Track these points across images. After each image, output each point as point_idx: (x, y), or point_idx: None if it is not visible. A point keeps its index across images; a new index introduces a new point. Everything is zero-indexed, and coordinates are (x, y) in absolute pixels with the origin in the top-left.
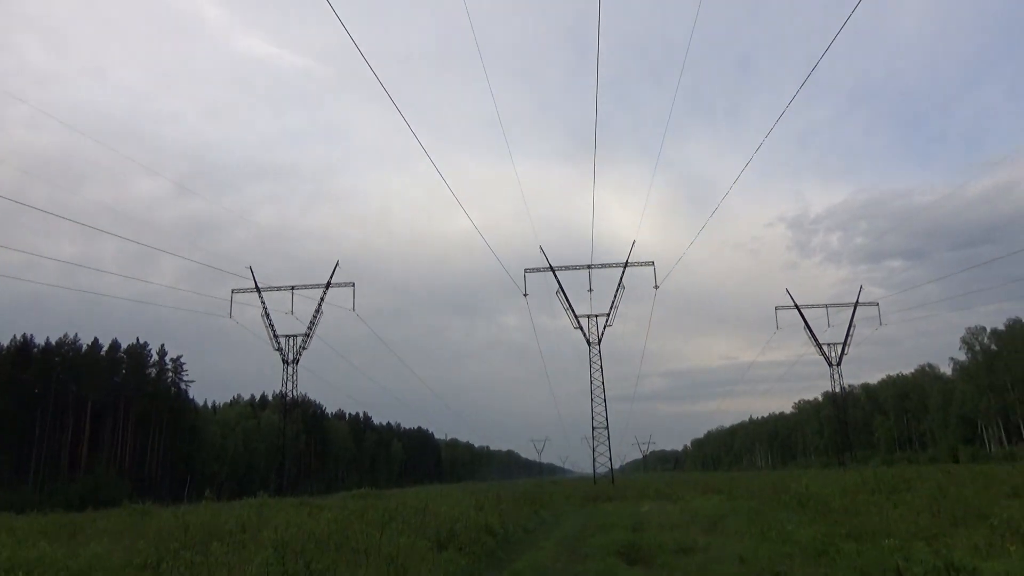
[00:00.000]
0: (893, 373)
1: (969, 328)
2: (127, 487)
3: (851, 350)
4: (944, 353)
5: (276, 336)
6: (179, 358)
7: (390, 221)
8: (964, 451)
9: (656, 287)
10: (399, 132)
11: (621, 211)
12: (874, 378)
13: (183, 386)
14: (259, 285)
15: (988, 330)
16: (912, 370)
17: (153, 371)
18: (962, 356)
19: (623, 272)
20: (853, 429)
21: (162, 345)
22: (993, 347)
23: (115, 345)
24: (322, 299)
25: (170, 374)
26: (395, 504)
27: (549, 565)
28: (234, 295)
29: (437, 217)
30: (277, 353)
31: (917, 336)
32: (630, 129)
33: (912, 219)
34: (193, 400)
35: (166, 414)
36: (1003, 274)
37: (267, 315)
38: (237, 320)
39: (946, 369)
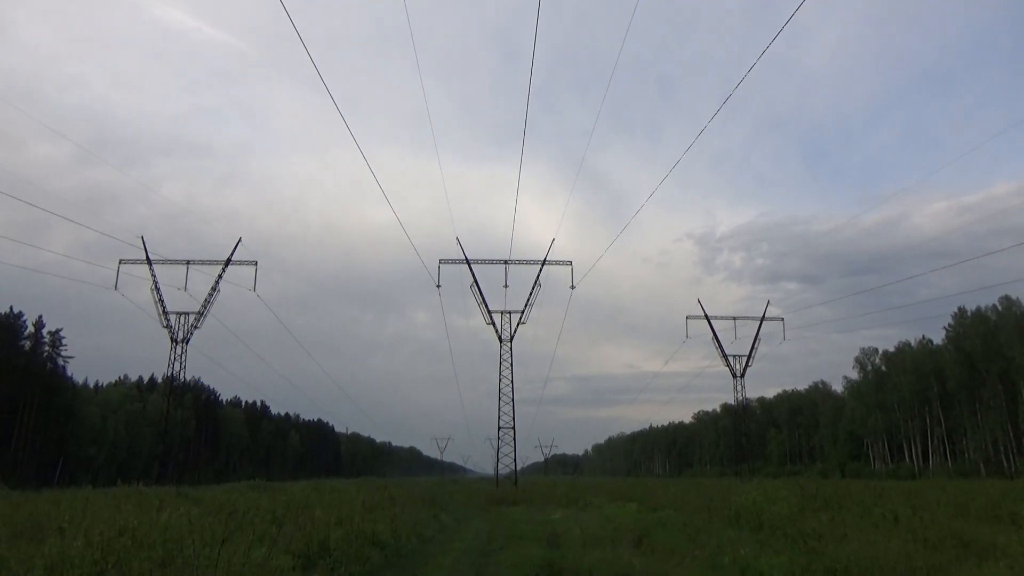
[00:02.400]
0: (783, 389)
1: (862, 348)
2: None
3: (751, 364)
4: (830, 372)
5: (166, 312)
6: (58, 332)
7: (304, 209)
8: (851, 467)
9: (573, 287)
10: (318, 119)
11: (540, 216)
12: (766, 393)
13: (60, 362)
14: (151, 257)
15: (880, 351)
16: (805, 387)
17: (27, 344)
18: (854, 375)
19: (540, 269)
20: (748, 441)
21: (39, 317)
22: (883, 368)
23: None
24: (220, 276)
25: (46, 348)
26: (267, 502)
27: None
28: (122, 266)
29: (353, 208)
30: (167, 332)
31: (807, 355)
32: (553, 136)
33: (810, 244)
34: (71, 378)
35: (38, 391)
36: (885, 302)
37: (157, 289)
38: (123, 293)
39: (837, 387)
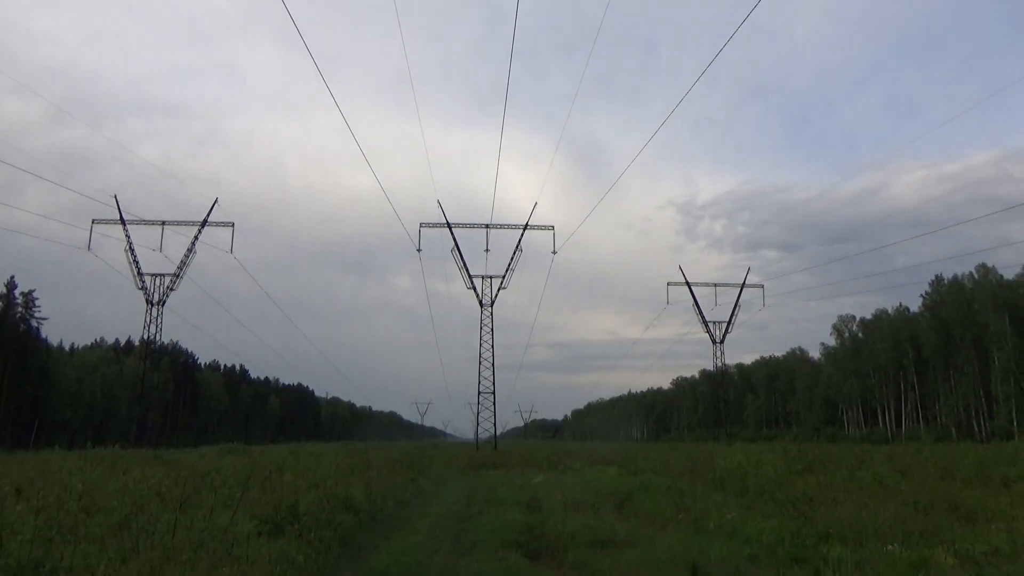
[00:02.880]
0: (761, 356)
1: (840, 316)
2: None
3: (731, 331)
4: (808, 339)
5: (141, 274)
6: (31, 292)
7: (284, 172)
8: (825, 431)
9: (554, 252)
10: (297, 79)
11: (522, 181)
12: (744, 360)
13: (34, 323)
14: (125, 217)
15: (857, 319)
16: (783, 353)
17: None
18: (832, 342)
19: (522, 233)
20: (727, 406)
21: (11, 277)
22: (860, 335)
23: None
24: (196, 237)
25: (20, 309)
26: (240, 465)
27: (423, 560)
28: (95, 226)
29: (333, 171)
30: (142, 294)
31: (785, 322)
32: (536, 100)
33: (790, 212)
34: (46, 340)
35: (12, 353)
36: (863, 270)
37: (131, 250)
38: (97, 254)
39: (815, 354)
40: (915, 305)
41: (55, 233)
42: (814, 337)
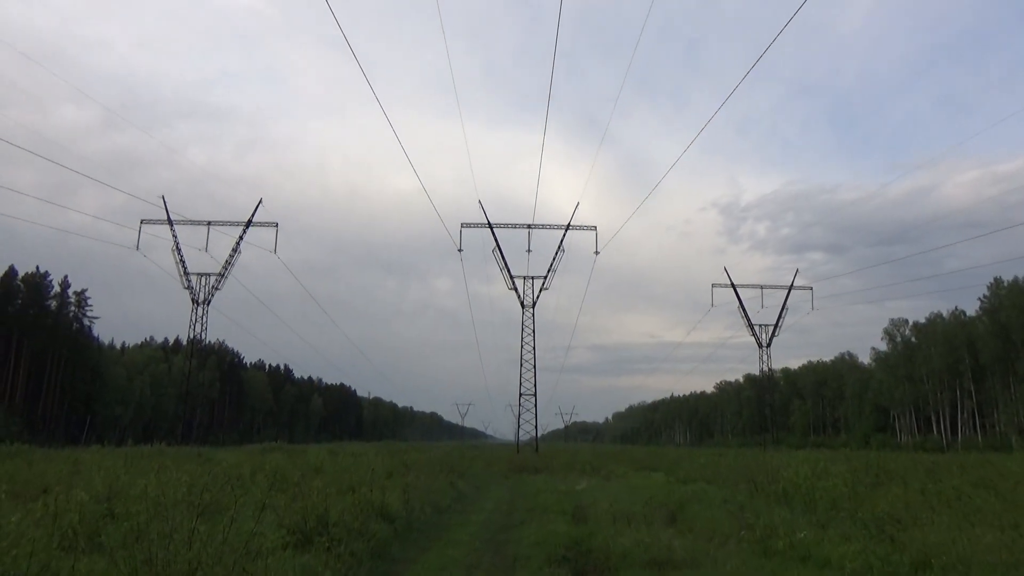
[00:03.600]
0: (806, 361)
1: (892, 319)
2: (17, 426)
3: (777, 334)
4: (855, 343)
5: (187, 273)
6: (83, 292)
7: (327, 174)
8: (876, 438)
9: (597, 252)
10: (341, 83)
11: (563, 183)
12: (788, 364)
13: (86, 322)
14: (172, 218)
15: (910, 323)
16: (831, 358)
17: (53, 303)
18: (883, 346)
19: (564, 234)
20: (772, 411)
21: (65, 276)
22: (913, 339)
23: (11, 272)
24: (241, 237)
25: (72, 308)
26: (280, 464)
27: None
28: (143, 226)
29: (375, 174)
30: (188, 293)
31: (831, 326)
32: (577, 101)
33: (836, 214)
34: (97, 338)
35: (65, 351)
36: (913, 273)
37: (178, 249)
38: (145, 254)
39: (864, 358)
40: (971, 308)
41: (106, 234)
42: (861, 342)
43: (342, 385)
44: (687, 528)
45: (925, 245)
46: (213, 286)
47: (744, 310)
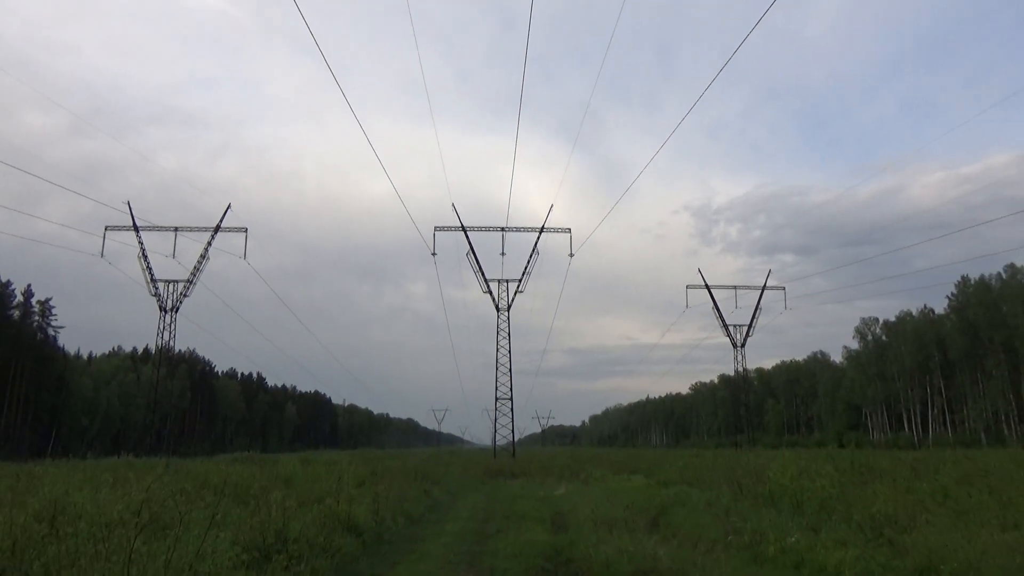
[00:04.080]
0: (781, 360)
1: (863, 318)
2: None
3: (751, 334)
4: (826, 343)
5: (154, 280)
6: (47, 301)
7: (300, 180)
8: (849, 436)
9: (571, 255)
10: (314, 88)
11: (537, 187)
12: (762, 364)
13: (51, 332)
14: (138, 223)
15: (880, 321)
16: (803, 357)
17: (16, 313)
18: (855, 345)
19: (539, 236)
20: (748, 411)
21: (28, 285)
22: (884, 338)
23: None
24: (209, 243)
25: (36, 318)
26: (246, 475)
27: None
28: (108, 232)
29: (350, 179)
30: (155, 300)
31: (803, 326)
32: (550, 106)
33: (806, 216)
34: (63, 348)
35: (29, 361)
36: (881, 273)
37: (144, 256)
38: (110, 261)
39: (836, 357)
40: (939, 307)
41: (74, 242)
42: (832, 341)
43: (316, 392)
44: (671, 534)
45: (892, 245)
46: (181, 293)
47: (719, 311)
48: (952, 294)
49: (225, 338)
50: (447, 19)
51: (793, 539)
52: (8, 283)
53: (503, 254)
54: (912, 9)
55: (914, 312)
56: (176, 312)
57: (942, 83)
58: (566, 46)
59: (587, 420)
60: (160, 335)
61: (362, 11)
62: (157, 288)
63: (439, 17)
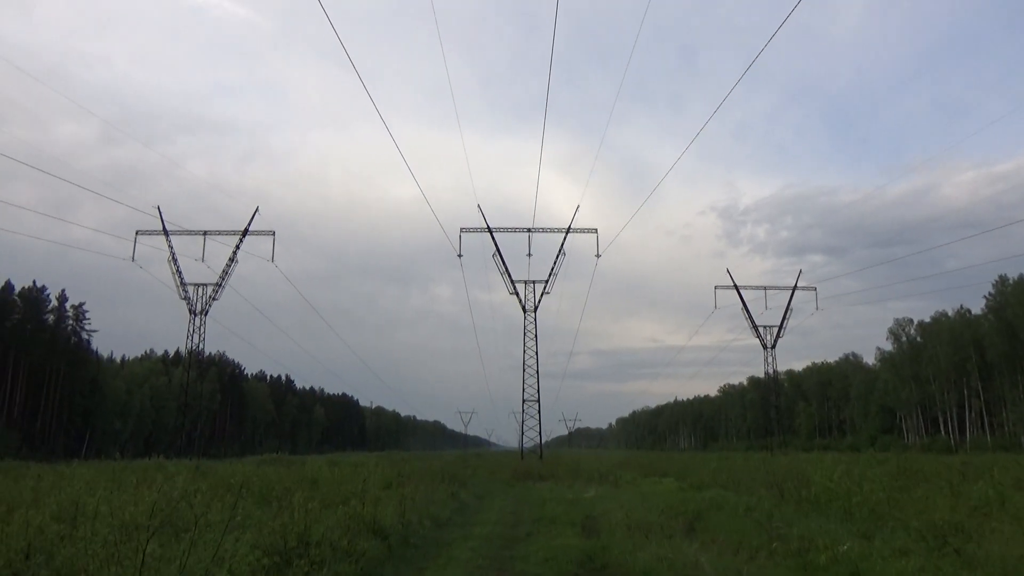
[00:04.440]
0: (809, 363)
1: (897, 319)
2: (15, 440)
3: (782, 335)
4: (856, 344)
5: (183, 283)
6: (81, 305)
7: (326, 184)
8: (882, 440)
9: (598, 255)
10: (339, 94)
11: (562, 189)
12: (790, 366)
13: (84, 336)
14: (168, 228)
15: (915, 322)
16: (835, 359)
17: (51, 317)
18: (888, 346)
19: (565, 237)
20: (778, 413)
21: (62, 290)
22: (918, 339)
23: (8, 287)
24: (238, 246)
25: (70, 322)
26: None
27: None
28: (139, 237)
29: (375, 183)
30: (185, 303)
31: (832, 328)
32: (575, 108)
33: (835, 216)
34: (96, 352)
35: (63, 365)
36: (912, 273)
37: (174, 260)
38: (141, 265)
39: (868, 359)
40: (972, 307)
41: (106, 248)
42: (862, 343)
43: (344, 395)
44: (709, 540)
45: (923, 245)
46: (211, 296)
47: (748, 311)
48: (989, 294)
49: (254, 341)
50: (470, 24)
51: (846, 547)
52: (43, 288)
53: (529, 255)
54: (941, 6)
55: (950, 312)
56: (206, 315)
57: (973, 81)
58: (589, 49)
59: (614, 422)
60: (190, 338)
61: (386, 19)
62: (187, 291)
63: (463, 23)
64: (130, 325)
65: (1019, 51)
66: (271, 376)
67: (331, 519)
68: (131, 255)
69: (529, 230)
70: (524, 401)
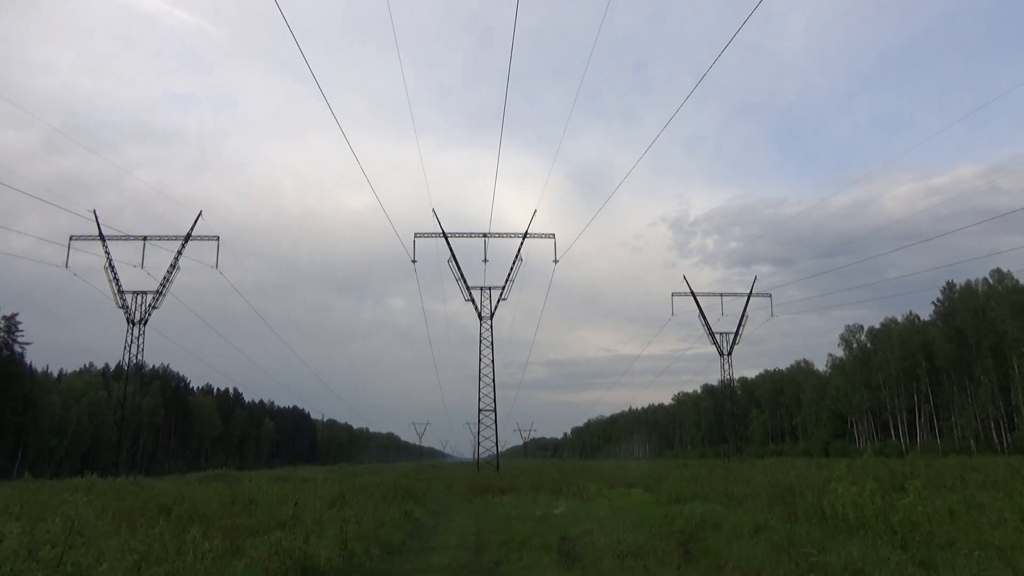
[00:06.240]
0: (760, 370)
1: (848, 325)
2: None
3: (738, 342)
4: (804, 352)
5: (121, 291)
6: (13, 316)
7: (279, 195)
8: (835, 445)
9: (556, 261)
10: (290, 104)
11: (518, 201)
12: (742, 374)
13: (17, 348)
14: (104, 232)
15: (865, 328)
16: (784, 367)
17: None
18: (839, 352)
19: (522, 242)
20: (735, 420)
21: None
22: (869, 345)
23: None
24: (180, 252)
25: (1, 334)
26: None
27: None
28: (73, 242)
29: (328, 195)
30: (123, 312)
31: (780, 337)
32: (529, 121)
33: (781, 227)
34: (30, 366)
35: None
36: (855, 283)
37: (111, 266)
38: (76, 272)
39: (820, 366)
40: (918, 314)
41: (47, 258)
42: (809, 351)
43: (295, 408)
44: (714, 568)
45: (865, 255)
46: (150, 305)
47: (705, 318)
48: (938, 300)
49: (202, 354)
50: (426, 37)
51: None
52: None
53: (485, 260)
54: (881, 25)
55: (899, 319)
56: (145, 325)
57: (911, 97)
58: (544, 63)
59: (569, 432)
60: (128, 349)
61: (338, 29)
62: (124, 299)
63: (418, 35)
64: (69, 338)
65: (954, 69)
66: (218, 389)
67: (248, 556)
68: (65, 262)
69: (485, 235)
70: (480, 411)
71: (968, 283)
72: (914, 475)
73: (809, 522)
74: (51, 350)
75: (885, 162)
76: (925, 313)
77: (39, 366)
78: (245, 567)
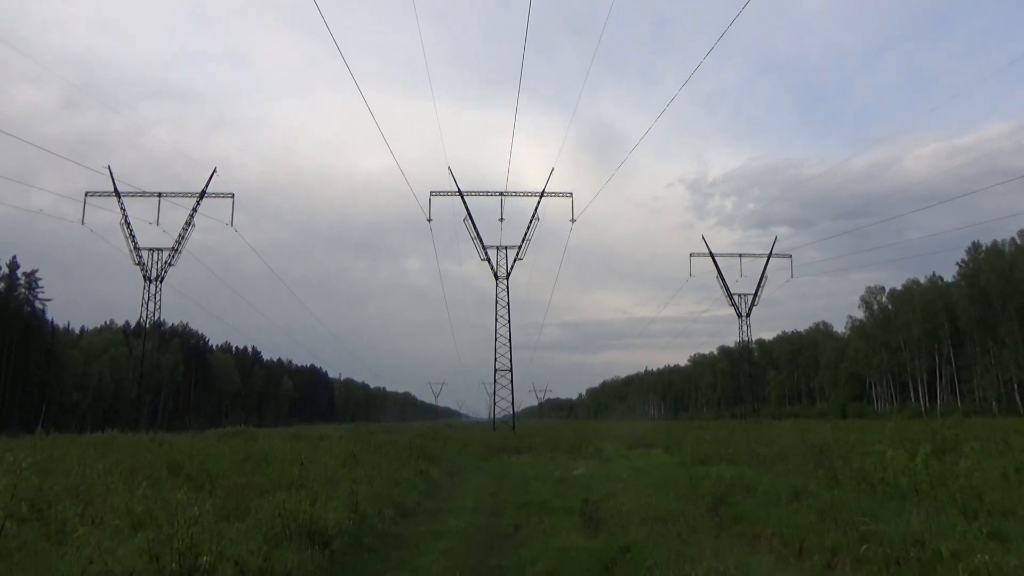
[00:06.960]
0: (778, 332)
1: (868, 287)
2: None
3: (757, 303)
4: (822, 314)
5: (137, 248)
6: (33, 272)
7: (295, 155)
8: (852, 407)
9: (573, 220)
10: (307, 64)
11: (534, 160)
12: (759, 336)
13: (39, 305)
14: (119, 189)
15: (887, 290)
16: (803, 329)
17: (1, 286)
18: (859, 314)
19: (539, 200)
20: (752, 382)
21: (13, 257)
22: (890, 307)
23: None
24: (195, 209)
25: (22, 290)
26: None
27: None
28: (88, 198)
29: (344, 155)
30: (139, 269)
31: (798, 299)
32: (547, 79)
33: (801, 188)
34: (51, 321)
35: (16, 334)
36: (875, 243)
37: (127, 223)
38: (92, 229)
39: (839, 328)
40: (941, 275)
41: (66, 216)
42: (827, 313)
43: (313, 367)
44: (749, 535)
45: (886, 216)
46: (166, 262)
47: (723, 279)
48: (963, 260)
49: (221, 313)
50: None
51: (983, 557)
52: None
53: (502, 219)
54: None
55: (922, 280)
56: (161, 282)
57: (938, 55)
58: (562, 19)
59: (584, 393)
60: (145, 306)
61: None
62: (141, 256)
63: None
64: (89, 296)
65: (982, 26)
66: (237, 348)
67: (252, 518)
68: (81, 218)
69: (502, 194)
70: (496, 371)
71: (994, 243)
72: (962, 439)
73: (855, 488)
74: (71, 307)
75: (908, 122)
76: (948, 275)
77: (60, 323)
78: (245, 530)
